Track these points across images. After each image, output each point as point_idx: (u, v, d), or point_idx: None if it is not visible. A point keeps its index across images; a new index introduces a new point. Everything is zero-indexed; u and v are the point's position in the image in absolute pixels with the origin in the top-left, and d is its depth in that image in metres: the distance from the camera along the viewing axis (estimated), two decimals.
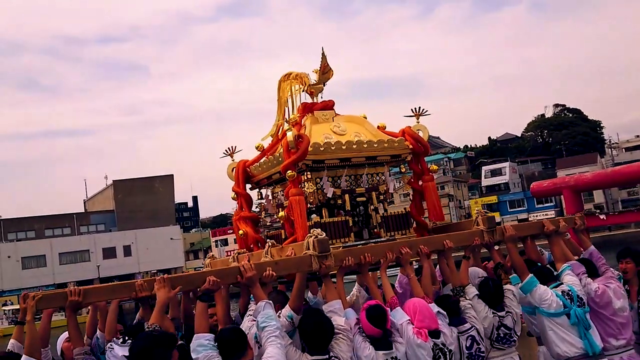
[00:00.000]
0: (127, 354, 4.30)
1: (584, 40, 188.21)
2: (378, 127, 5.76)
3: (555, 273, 5.34)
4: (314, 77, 5.77)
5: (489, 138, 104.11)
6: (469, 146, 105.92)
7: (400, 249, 4.86)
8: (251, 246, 5.62)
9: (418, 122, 5.76)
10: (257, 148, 5.76)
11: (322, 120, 5.60)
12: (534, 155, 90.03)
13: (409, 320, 4.47)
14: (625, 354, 5.16)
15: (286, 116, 5.93)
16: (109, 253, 62.53)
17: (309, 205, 5.27)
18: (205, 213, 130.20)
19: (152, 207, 67.19)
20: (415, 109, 5.81)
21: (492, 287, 5.08)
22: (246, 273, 4.15)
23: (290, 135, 5.04)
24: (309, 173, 5.20)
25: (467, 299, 4.98)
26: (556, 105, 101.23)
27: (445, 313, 4.72)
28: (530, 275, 5.13)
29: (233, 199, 5.87)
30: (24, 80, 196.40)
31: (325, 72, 5.74)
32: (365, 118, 5.80)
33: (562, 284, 5.15)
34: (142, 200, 67.14)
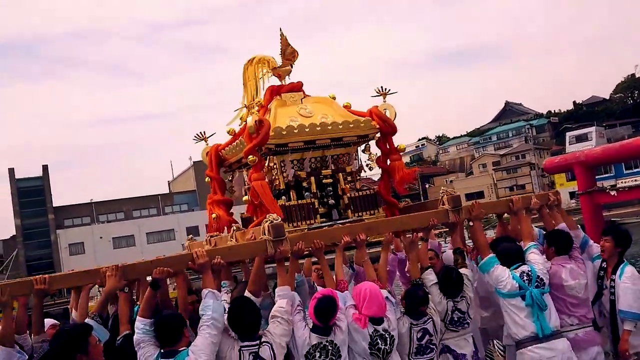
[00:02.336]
0: None
1: None
2: (344, 106, 5.75)
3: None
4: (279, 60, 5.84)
5: (574, 102, 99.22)
6: (553, 111, 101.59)
7: (358, 235, 4.86)
8: (224, 228, 5.72)
9: (385, 102, 5.73)
10: (228, 132, 5.80)
11: (289, 103, 5.64)
12: (624, 118, 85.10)
13: (352, 304, 4.51)
14: (580, 331, 5.10)
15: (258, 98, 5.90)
16: (193, 232, 63.94)
17: (276, 188, 5.36)
18: None
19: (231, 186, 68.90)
20: (380, 88, 5.76)
21: (455, 278, 5.01)
22: (198, 260, 4.26)
23: (250, 120, 5.13)
24: (273, 157, 5.27)
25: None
26: None
27: (393, 301, 4.76)
28: (491, 255, 5.08)
29: (207, 182, 5.98)
30: (114, 66, 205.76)
31: (288, 53, 5.78)
32: (334, 99, 5.79)
33: (524, 264, 5.07)
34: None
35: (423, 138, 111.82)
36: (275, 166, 5.36)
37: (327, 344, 4.26)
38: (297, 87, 5.80)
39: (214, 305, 4.08)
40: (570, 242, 5.37)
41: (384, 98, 5.75)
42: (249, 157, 5.08)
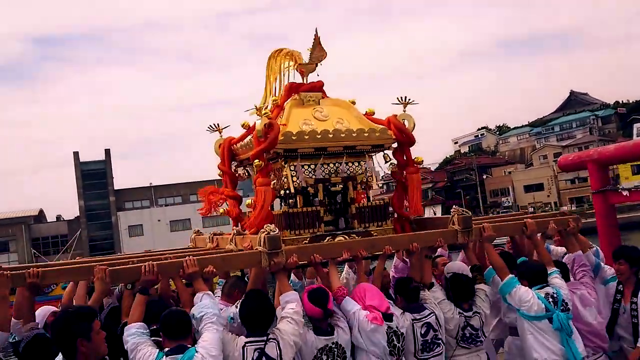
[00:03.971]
0: None
1: None
2: (366, 112, 5.54)
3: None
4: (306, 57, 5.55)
5: None
6: (621, 102, 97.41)
7: (359, 252, 4.77)
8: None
9: (404, 112, 5.47)
10: (243, 126, 5.59)
11: (306, 103, 5.40)
12: None
13: (359, 308, 4.41)
14: None
15: (274, 93, 5.72)
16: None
17: (283, 192, 5.26)
18: None
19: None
20: (401, 97, 5.50)
21: (465, 280, 4.93)
22: (188, 269, 4.19)
23: (259, 123, 4.96)
24: (282, 160, 5.12)
25: (427, 291, 4.87)
26: None
27: (391, 302, 4.71)
28: (510, 275, 4.89)
29: (219, 175, 5.86)
30: (181, 55, 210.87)
31: (316, 54, 5.56)
32: (354, 103, 5.56)
33: (547, 285, 4.87)
34: None
35: (482, 128, 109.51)
36: (283, 171, 5.18)
37: (333, 345, 4.24)
38: (317, 87, 5.55)
39: (211, 303, 4.04)
40: (562, 267, 5.20)
41: (405, 107, 5.49)
42: (255, 161, 4.98)
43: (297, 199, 5.24)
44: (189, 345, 3.80)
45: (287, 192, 5.26)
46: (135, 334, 3.86)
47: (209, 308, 3.99)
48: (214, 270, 4.36)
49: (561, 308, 4.72)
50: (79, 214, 64.98)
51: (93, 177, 65.04)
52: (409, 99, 5.49)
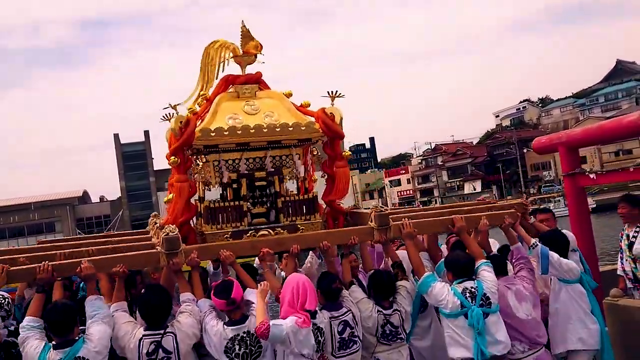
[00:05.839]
0: None
1: None
2: (301, 104, 5.49)
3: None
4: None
5: None
6: None
7: (261, 250, 4.79)
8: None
9: (332, 105, 5.37)
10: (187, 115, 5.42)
11: (242, 96, 5.37)
12: None
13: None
14: (530, 357, 4.80)
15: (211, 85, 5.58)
16: None
17: (208, 187, 5.27)
18: (384, 154, 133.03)
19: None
20: (329, 91, 5.40)
21: (385, 278, 4.86)
22: (82, 272, 4.19)
23: (173, 121, 4.96)
24: (204, 155, 5.12)
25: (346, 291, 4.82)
26: None
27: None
28: (427, 274, 4.78)
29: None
30: (225, 34, 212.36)
31: (249, 45, 5.50)
32: (290, 95, 5.52)
33: (468, 280, 4.71)
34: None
35: (525, 100, 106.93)
36: (206, 166, 5.21)
37: (245, 334, 4.26)
38: (254, 79, 5.51)
39: (104, 305, 4.15)
40: (498, 260, 5.04)
41: (332, 101, 5.38)
42: (171, 158, 4.98)
43: (227, 192, 5.25)
44: (76, 338, 3.92)
45: (221, 184, 5.28)
46: (25, 327, 3.95)
47: (102, 309, 4.08)
48: (125, 269, 4.40)
49: (480, 303, 4.54)
50: (120, 195, 66.74)
51: (133, 158, 66.60)
52: (336, 92, 5.39)
